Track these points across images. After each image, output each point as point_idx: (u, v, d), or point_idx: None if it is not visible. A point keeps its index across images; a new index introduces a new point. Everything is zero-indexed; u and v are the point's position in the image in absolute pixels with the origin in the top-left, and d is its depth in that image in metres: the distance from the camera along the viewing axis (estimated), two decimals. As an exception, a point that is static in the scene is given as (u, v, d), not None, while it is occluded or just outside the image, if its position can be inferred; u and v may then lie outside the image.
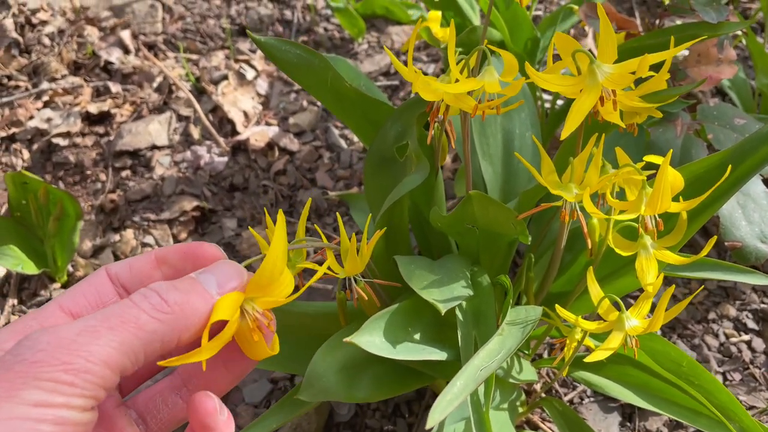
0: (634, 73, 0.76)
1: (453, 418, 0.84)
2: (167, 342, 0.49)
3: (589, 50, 0.79)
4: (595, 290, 0.82)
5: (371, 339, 0.76)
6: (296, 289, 0.57)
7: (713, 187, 0.81)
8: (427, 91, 0.79)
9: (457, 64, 0.84)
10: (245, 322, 0.54)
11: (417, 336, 0.82)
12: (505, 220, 0.86)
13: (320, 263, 0.80)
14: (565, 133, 0.75)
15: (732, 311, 1.32)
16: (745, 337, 1.28)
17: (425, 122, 0.94)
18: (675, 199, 0.80)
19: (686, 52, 1.31)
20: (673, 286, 0.80)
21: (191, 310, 0.50)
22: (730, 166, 0.82)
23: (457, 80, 0.80)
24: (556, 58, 0.87)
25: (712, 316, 1.32)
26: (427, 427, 0.63)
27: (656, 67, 0.84)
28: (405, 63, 0.83)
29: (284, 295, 0.55)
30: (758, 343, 1.28)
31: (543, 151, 0.84)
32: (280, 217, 0.53)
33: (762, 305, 1.33)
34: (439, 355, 0.81)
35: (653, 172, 0.82)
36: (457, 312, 0.83)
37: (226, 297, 0.52)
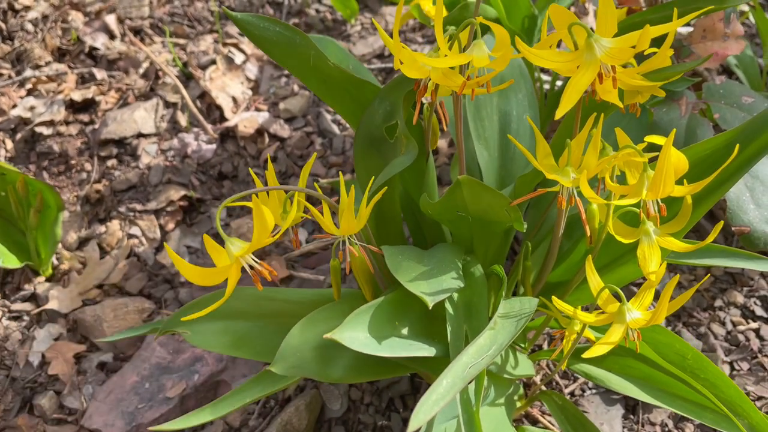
0: (634, 47, 0.71)
1: (444, 416, 0.79)
2: None
3: (591, 29, 0.74)
4: (594, 280, 0.78)
5: (354, 335, 0.71)
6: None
7: (719, 169, 0.76)
8: (412, 67, 0.73)
9: (448, 41, 0.79)
10: None
11: (404, 331, 0.77)
12: (498, 207, 0.81)
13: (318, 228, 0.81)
14: (560, 112, 0.70)
15: (739, 298, 1.28)
16: (753, 325, 1.24)
17: (413, 102, 0.89)
18: (679, 182, 0.76)
19: (691, 28, 1.25)
20: (678, 275, 0.75)
21: None
22: (737, 146, 0.77)
23: (446, 56, 0.75)
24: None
25: (718, 303, 1.28)
26: (410, 430, 0.58)
27: (658, 43, 0.79)
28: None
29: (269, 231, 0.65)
30: (767, 331, 1.23)
31: (538, 132, 0.79)
32: None
33: (770, 292, 1.28)
34: (427, 351, 0.76)
35: (656, 154, 0.77)
36: (447, 305, 0.78)
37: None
